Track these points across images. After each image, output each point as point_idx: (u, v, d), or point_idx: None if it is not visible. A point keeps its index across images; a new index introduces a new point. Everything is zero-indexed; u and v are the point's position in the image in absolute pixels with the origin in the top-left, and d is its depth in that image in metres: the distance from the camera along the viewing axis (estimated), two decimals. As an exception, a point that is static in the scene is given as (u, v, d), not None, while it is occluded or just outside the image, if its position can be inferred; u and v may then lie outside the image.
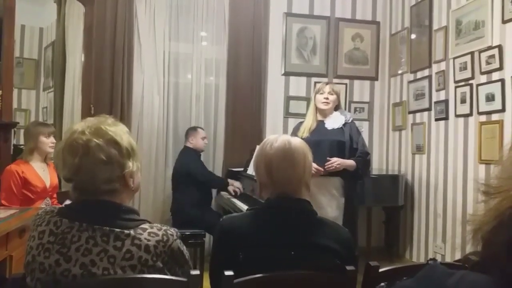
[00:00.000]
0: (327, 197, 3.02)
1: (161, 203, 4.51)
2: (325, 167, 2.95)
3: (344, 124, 3.12)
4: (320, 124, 3.16)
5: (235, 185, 4.13)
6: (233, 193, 4.08)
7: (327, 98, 3.13)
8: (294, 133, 3.17)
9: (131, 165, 1.29)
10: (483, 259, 0.61)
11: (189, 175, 4.01)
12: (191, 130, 4.27)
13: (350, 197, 3.08)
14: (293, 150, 1.57)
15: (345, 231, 1.64)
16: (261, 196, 1.66)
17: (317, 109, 3.20)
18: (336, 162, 2.95)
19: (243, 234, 1.50)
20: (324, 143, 3.05)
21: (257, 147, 1.98)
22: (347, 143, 3.07)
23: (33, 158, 3.09)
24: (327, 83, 3.26)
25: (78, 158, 1.22)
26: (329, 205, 3.00)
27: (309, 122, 3.17)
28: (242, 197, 4.01)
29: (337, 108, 3.24)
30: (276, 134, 1.67)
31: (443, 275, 0.61)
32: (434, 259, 1.33)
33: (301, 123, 3.29)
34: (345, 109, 4.53)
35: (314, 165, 2.83)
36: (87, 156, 1.22)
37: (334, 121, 3.14)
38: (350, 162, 3.02)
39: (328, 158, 2.97)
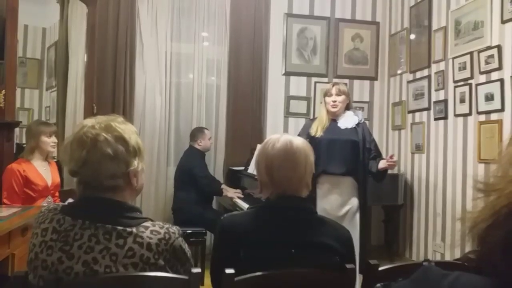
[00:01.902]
0: (341, 196, 3.03)
1: (163, 202, 4.53)
2: (389, 165, 2.97)
3: (357, 124, 3.10)
4: (333, 123, 3.13)
5: (228, 195, 4.07)
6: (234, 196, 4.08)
7: (335, 101, 3.09)
8: (306, 129, 3.15)
9: (136, 164, 1.30)
10: (478, 257, 0.61)
11: (192, 175, 4.02)
12: (199, 132, 4.24)
13: (365, 197, 3.09)
14: (295, 151, 1.56)
15: (345, 230, 1.64)
16: (261, 193, 1.67)
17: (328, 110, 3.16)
18: (396, 160, 3.00)
19: (244, 232, 1.51)
20: (338, 142, 3.03)
21: (258, 146, 1.99)
22: (360, 143, 3.05)
23: (34, 157, 3.09)
24: (333, 85, 3.17)
25: (86, 151, 1.23)
26: (342, 204, 3.01)
27: (322, 121, 3.12)
28: (243, 196, 4.02)
29: (348, 107, 3.18)
30: (278, 134, 1.66)
31: (437, 276, 0.61)
32: (428, 260, 1.34)
33: (312, 120, 3.26)
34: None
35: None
36: (95, 149, 1.23)
37: (347, 121, 3.11)
38: None
39: (391, 155, 2.99)
